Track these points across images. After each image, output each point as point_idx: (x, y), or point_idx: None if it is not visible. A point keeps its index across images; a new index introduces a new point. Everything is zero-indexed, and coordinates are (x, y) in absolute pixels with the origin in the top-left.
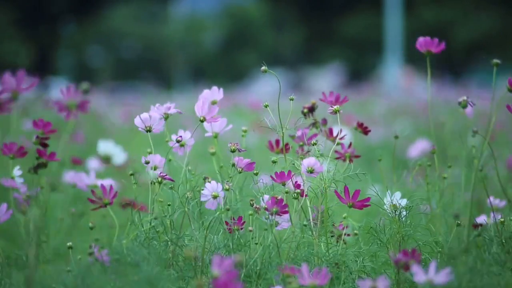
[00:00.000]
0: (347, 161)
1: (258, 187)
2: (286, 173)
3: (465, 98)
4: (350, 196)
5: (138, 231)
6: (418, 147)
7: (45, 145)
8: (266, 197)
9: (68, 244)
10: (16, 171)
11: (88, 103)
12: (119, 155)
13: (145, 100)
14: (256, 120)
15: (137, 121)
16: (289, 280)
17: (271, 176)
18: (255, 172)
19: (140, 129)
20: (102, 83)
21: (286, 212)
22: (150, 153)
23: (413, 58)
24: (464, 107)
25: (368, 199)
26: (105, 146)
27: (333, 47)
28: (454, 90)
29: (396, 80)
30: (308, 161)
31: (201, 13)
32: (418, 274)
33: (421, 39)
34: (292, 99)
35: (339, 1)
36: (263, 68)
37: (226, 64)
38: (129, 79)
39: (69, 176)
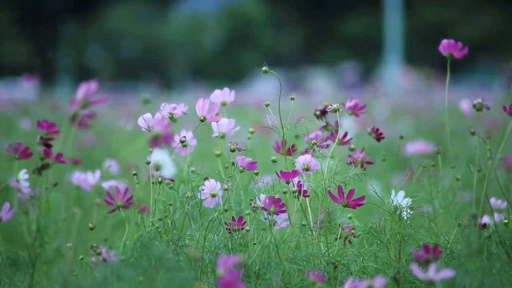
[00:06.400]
0: (353, 164)
1: (258, 187)
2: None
3: (479, 100)
4: (345, 196)
5: (142, 232)
6: (417, 146)
7: (49, 146)
8: (263, 196)
9: (68, 244)
10: (23, 175)
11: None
12: (169, 167)
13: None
14: (257, 120)
15: (140, 121)
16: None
17: (277, 173)
18: (255, 172)
19: (143, 129)
20: (102, 83)
21: (283, 211)
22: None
23: (413, 58)
24: (479, 109)
25: (362, 198)
26: (158, 156)
27: (333, 47)
28: (454, 90)
29: (397, 80)
30: (304, 158)
31: (201, 13)
32: (418, 273)
33: (444, 42)
34: (293, 99)
35: (339, 1)
36: (264, 68)
37: (226, 64)
38: (129, 80)
39: (73, 176)
